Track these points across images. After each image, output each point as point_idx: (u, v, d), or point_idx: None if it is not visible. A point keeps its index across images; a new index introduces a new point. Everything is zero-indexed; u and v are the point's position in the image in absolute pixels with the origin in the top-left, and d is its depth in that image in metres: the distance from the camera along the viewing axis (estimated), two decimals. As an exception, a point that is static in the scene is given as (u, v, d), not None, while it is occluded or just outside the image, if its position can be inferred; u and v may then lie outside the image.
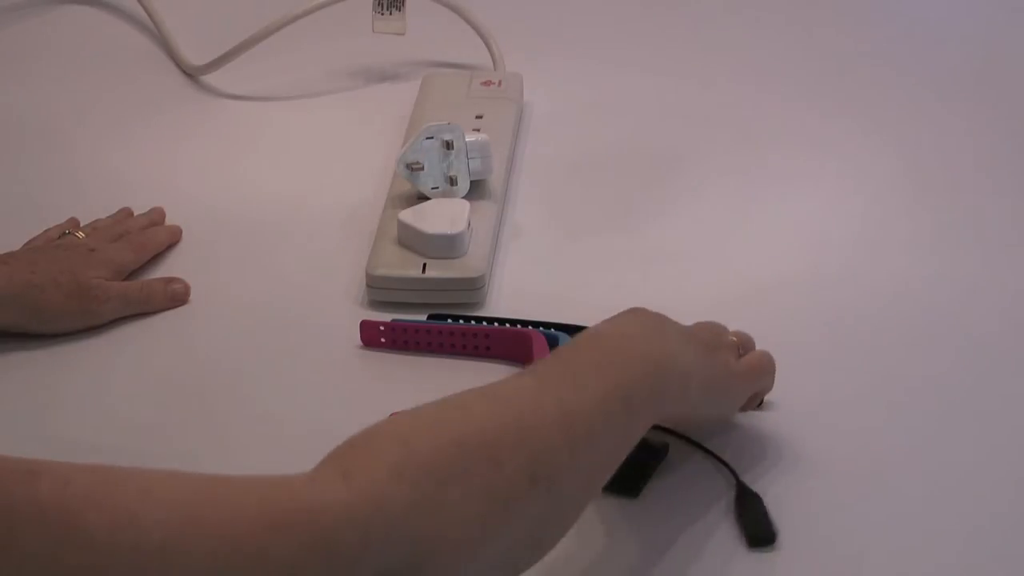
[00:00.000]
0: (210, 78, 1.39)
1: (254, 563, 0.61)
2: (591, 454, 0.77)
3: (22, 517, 0.57)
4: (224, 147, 1.30)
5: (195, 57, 1.40)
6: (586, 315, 1.02)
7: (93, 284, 1.05)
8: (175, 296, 1.08)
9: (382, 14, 1.36)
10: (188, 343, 1.06)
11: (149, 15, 1.47)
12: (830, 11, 1.49)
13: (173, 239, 1.15)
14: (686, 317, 1.03)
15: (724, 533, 0.88)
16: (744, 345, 0.92)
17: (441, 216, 1.09)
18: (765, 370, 0.93)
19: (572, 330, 1.01)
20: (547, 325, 1.02)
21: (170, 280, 1.09)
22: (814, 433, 0.95)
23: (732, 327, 1.00)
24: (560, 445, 0.74)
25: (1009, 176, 1.23)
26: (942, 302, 1.08)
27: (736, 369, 0.90)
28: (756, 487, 0.90)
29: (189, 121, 1.34)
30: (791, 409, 0.97)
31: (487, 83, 1.31)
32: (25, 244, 1.11)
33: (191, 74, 1.40)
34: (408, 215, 1.10)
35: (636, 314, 0.86)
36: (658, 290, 1.07)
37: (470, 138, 1.15)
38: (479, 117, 1.24)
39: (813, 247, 1.14)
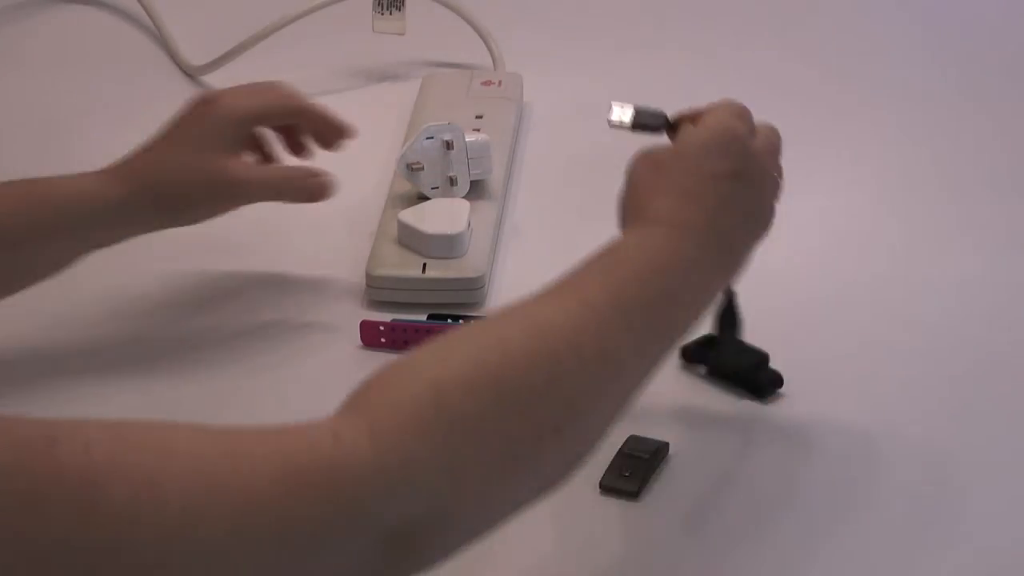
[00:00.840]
0: (210, 78, 1.39)
1: (276, 526, 0.61)
2: (618, 395, 0.75)
3: (45, 488, 0.56)
4: (224, 147, 1.30)
5: (195, 57, 1.40)
6: (586, 315, 1.03)
7: (229, 169, 1.00)
8: (312, 191, 1.03)
9: (382, 14, 1.36)
10: (187, 343, 1.06)
11: (149, 15, 1.47)
12: (832, 10, 1.48)
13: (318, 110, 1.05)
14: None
15: (725, 533, 0.88)
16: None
17: (441, 216, 1.09)
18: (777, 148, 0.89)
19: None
20: (547, 325, 1.02)
21: (312, 173, 1.04)
22: (818, 429, 0.96)
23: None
24: (591, 390, 0.72)
25: (1011, 175, 1.23)
26: (945, 301, 1.08)
27: (775, 197, 0.87)
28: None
29: (189, 121, 1.34)
30: (792, 406, 0.97)
31: (487, 83, 1.31)
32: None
33: (191, 74, 1.40)
34: (408, 215, 1.10)
35: (695, 222, 0.80)
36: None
37: (470, 138, 1.15)
38: (479, 117, 1.24)
39: (815, 246, 1.14)
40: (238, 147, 1.01)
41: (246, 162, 1.03)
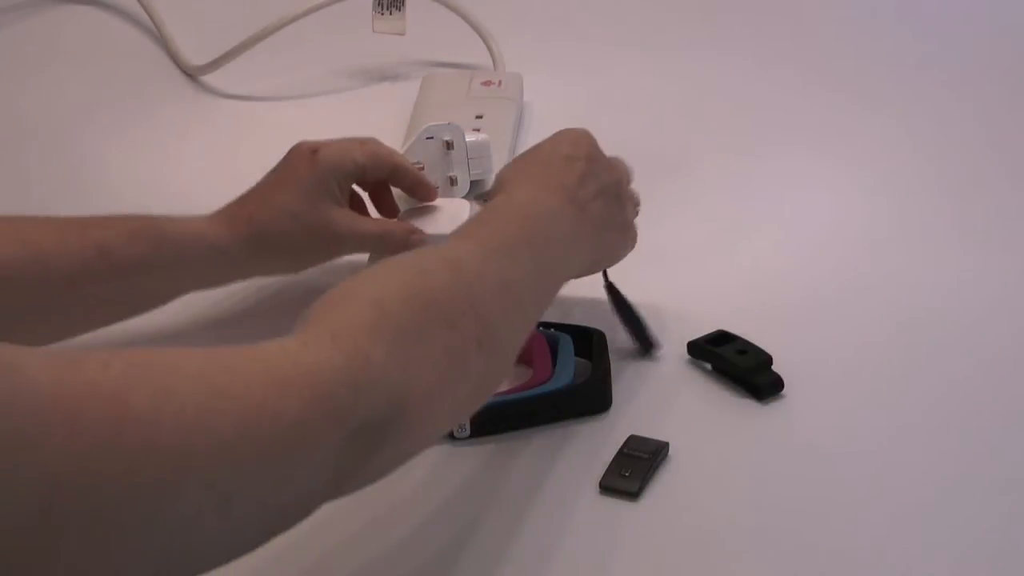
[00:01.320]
0: (210, 78, 1.39)
1: (272, 422, 0.67)
2: (520, 321, 0.86)
3: (82, 400, 0.61)
4: (224, 147, 1.30)
5: (195, 57, 1.40)
6: (586, 315, 1.03)
7: (335, 222, 1.03)
8: (408, 247, 1.04)
9: (382, 14, 1.36)
10: (186, 340, 1.06)
11: (149, 15, 1.47)
12: (830, 11, 1.49)
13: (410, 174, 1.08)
14: (686, 316, 1.04)
15: (725, 533, 0.88)
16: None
17: (441, 216, 1.09)
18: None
19: (572, 330, 1.01)
20: (547, 325, 1.02)
21: (410, 230, 1.06)
22: (818, 429, 0.96)
23: (734, 327, 1.01)
24: (499, 314, 0.83)
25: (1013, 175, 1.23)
26: (946, 300, 1.08)
27: (631, 239, 1.03)
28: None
29: (189, 121, 1.34)
30: (792, 407, 0.97)
31: (487, 83, 1.31)
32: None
33: (191, 74, 1.40)
34: (408, 215, 1.10)
35: (556, 189, 0.94)
36: (659, 289, 1.07)
37: (470, 138, 1.15)
38: (479, 117, 1.24)
39: (817, 246, 1.14)
40: (343, 199, 1.05)
41: (350, 214, 1.05)
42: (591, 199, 0.96)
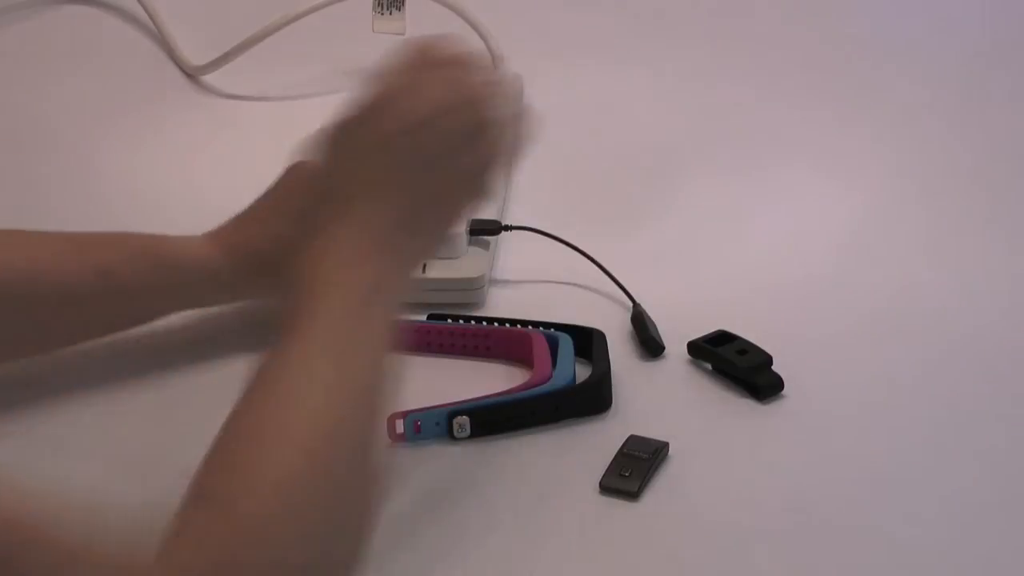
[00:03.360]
0: (210, 78, 1.39)
1: None
2: (381, 412, 0.78)
3: None
4: (224, 147, 1.30)
5: (195, 57, 1.40)
6: (586, 315, 1.03)
7: None
8: None
9: (382, 14, 1.36)
10: (185, 344, 1.06)
11: (149, 15, 1.47)
12: (833, 10, 1.48)
13: None
14: (686, 317, 1.04)
15: (724, 533, 0.88)
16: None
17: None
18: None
19: (572, 330, 1.01)
20: (547, 325, 1.02)
21: None
22: (818, 429, 0.96)
23: (734, 327, 1.01)
24: (368, 429, 0.76)
25: (1012, 177, 1.23)
26: (944, 301, 1.08)
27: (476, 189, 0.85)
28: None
29: (189, 121, 1.34)
30: (793, 407, 0.97)
31: (487, 83, 1.31)
32: None
33: (191, 74, 1.40)
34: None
35: (377, 235, 0.82)
36: (658, 290, 1.07)
37: (470, 138, 1.14)
38: (479, 117, 1.24)
39: (814, 248, 1.14)
40: None
41: None
42: (400, 134, 0.82)
